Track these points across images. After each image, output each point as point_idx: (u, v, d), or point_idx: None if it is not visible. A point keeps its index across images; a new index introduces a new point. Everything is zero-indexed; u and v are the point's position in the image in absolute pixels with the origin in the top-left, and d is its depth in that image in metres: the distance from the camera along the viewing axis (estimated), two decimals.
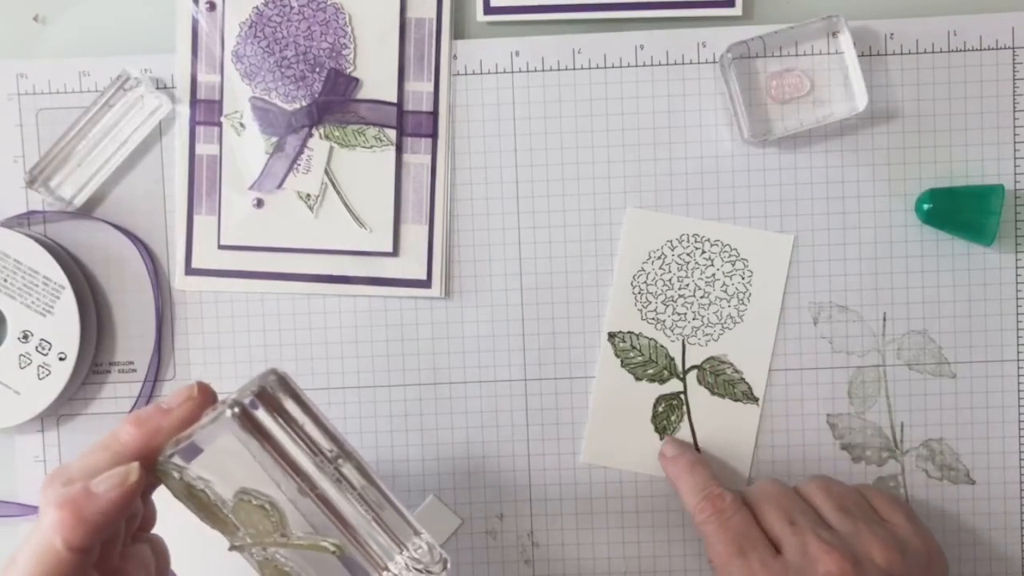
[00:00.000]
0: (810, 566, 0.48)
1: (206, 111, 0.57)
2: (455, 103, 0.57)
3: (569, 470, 0.57)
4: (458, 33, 0.57)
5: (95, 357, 0.57)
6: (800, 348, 0.57)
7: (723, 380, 0.57)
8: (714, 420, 0.57)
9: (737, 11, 0.56)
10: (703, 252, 0.57)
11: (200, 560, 0.58)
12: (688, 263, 0.57)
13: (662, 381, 0.57)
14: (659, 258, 0.57)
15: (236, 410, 0.38)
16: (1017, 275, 0.57)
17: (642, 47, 0.57)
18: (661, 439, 0.57)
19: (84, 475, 0.39)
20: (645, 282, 0.57)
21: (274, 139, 0.56)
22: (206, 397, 0.42)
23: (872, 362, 0.57)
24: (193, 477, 0.40)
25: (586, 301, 0.57)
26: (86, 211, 0.57)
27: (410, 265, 0.57)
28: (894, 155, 0.57)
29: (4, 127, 0.57)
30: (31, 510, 0.57)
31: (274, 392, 0.39)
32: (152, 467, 0.41)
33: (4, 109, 0.57)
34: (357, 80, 0.56)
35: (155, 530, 0.47)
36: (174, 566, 0.51)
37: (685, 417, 0.57)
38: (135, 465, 0.39)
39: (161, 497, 0.44)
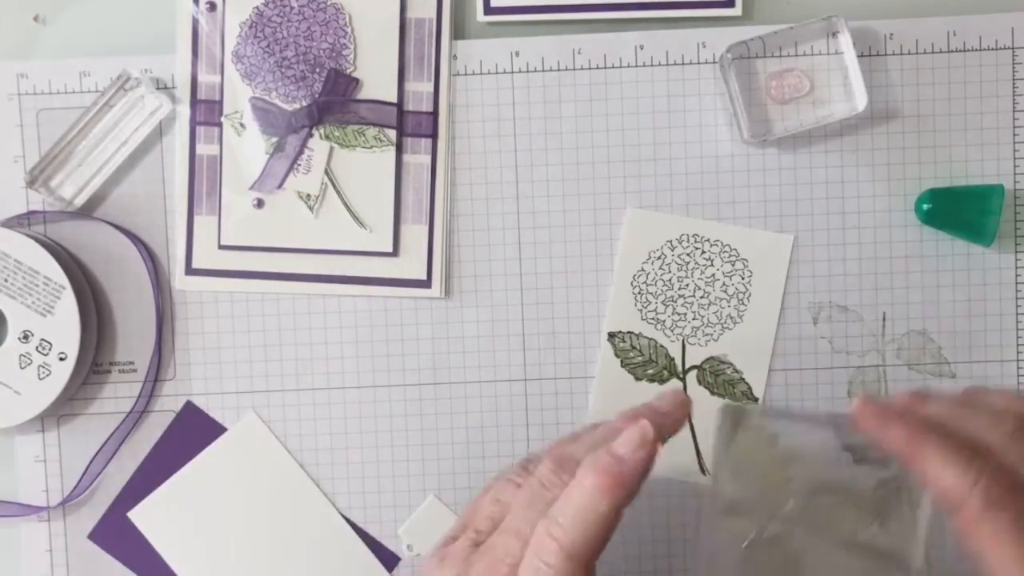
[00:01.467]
0: None
1: (206, 111, 0.57)
2: (455, 103, 0.57)
3: None
4: (458, 33, 0.57)
5: (95, 357, 0.57)
6: (800, 348, 0.57)
7: (723, 380, 0.57)
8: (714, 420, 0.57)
9: (737, 11, 0.56)
10: (703, 252, 0.57)
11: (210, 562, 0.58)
12: (688, 263, 0.57)
13: (662, 381, 0.57)
14: (659, 258, 0.57)
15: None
16: (1017, 275, 0.57)
17: (642, 47, 0.57)
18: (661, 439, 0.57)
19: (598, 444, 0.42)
20: (645, 282, 0.57)
21: (274, 139, 0.56)
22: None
23: (872, 362, 0.57)
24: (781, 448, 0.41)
25: (586, 301, 0.57)
26: (86, 211, 0.57)
27: (410, 265, 0.57)
28: (894, 155, 0.57)
29: (4, 127, 0.57)
30: (31, 510, 0.57)
31: None
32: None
33: (4, 109, 0.57)
34: (357, 80, 0.56)
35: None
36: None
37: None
38: (644, 423, 0.41)
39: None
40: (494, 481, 0.45)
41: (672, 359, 0.57)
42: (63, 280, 0.55)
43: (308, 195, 0.57)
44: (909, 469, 0.39)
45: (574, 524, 0.39)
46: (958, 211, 0.55)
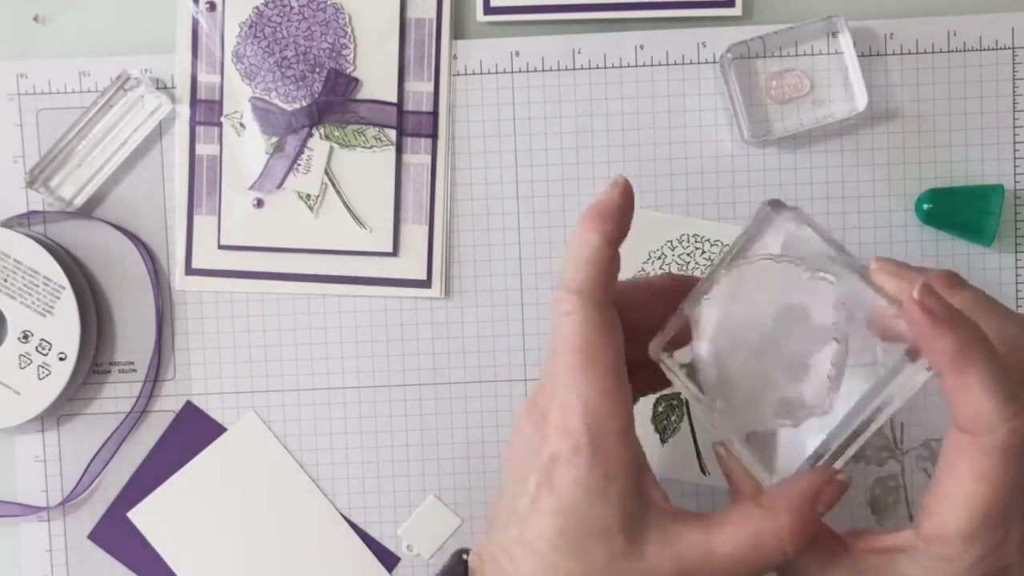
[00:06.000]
0: None
1: (206, 111, 0.57)
2: (455, 103, 0.57)
3: None
4: (458, 33, 0.57)
5: (95, 357, 0.57)
6: None
7: None
8: None
9: (737, 11, 0.56)
10: (703, 252, 0.57)
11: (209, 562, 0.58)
12: (688, 263, 0.57)
13: None
14: (659, 258, 0.57)
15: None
16: (1017, 275, 0.57)
17: (642, 47, 0.57)
18: (661, 439, 0.57)
19: None
20: None
21: (274, 139, 0.56)
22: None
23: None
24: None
25: None
26: (86, 211, 0.57)
27: (410, 265, 0.57)
28: (894, 155, 0.57)
29: (4, 127, 0.57)
30: (31, 510, 0.57)
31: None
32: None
33: (4, 109, 0.57)
34: (357, 80, 0.56)
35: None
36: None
37: (685, 417, 0.57)
38: (618, 176, 0.42)
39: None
40: None
41: None
42: (63, 280, 0.55)
43: (308, 195, 0.57)
44: (917, 358, 0.36)
45: (572, 263, 0.40)
46: (958, 211, 0.55)
